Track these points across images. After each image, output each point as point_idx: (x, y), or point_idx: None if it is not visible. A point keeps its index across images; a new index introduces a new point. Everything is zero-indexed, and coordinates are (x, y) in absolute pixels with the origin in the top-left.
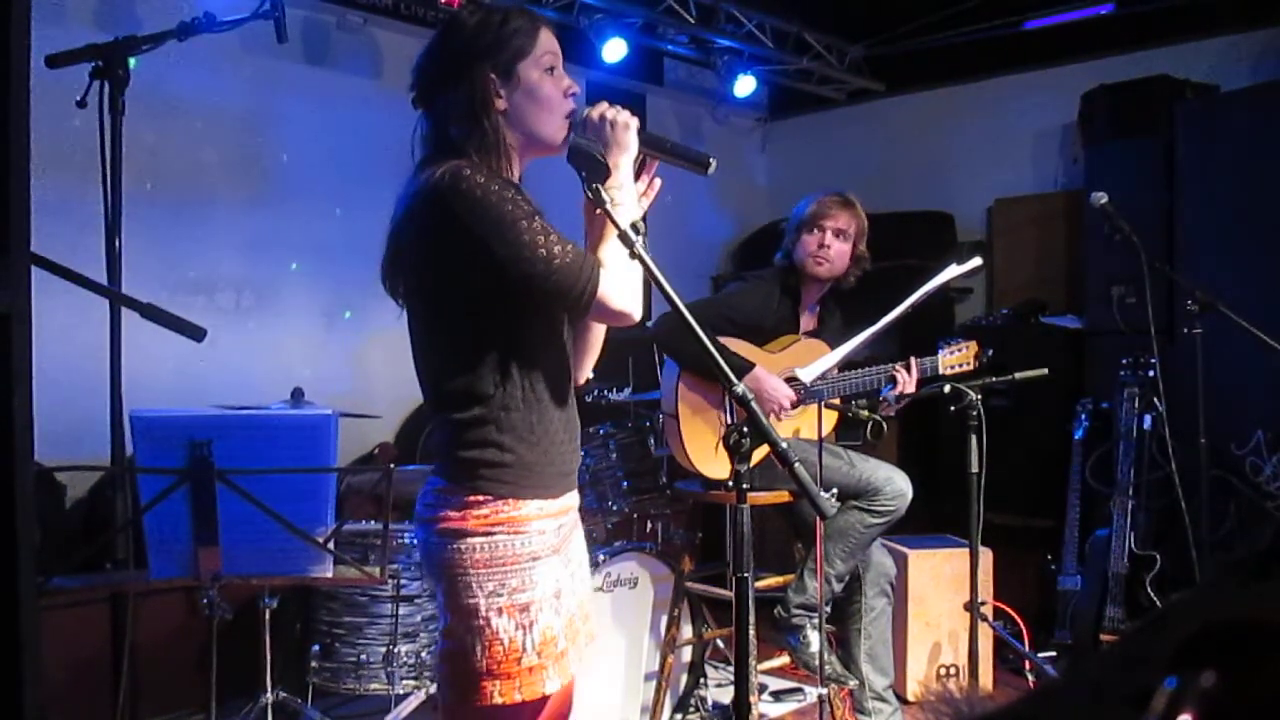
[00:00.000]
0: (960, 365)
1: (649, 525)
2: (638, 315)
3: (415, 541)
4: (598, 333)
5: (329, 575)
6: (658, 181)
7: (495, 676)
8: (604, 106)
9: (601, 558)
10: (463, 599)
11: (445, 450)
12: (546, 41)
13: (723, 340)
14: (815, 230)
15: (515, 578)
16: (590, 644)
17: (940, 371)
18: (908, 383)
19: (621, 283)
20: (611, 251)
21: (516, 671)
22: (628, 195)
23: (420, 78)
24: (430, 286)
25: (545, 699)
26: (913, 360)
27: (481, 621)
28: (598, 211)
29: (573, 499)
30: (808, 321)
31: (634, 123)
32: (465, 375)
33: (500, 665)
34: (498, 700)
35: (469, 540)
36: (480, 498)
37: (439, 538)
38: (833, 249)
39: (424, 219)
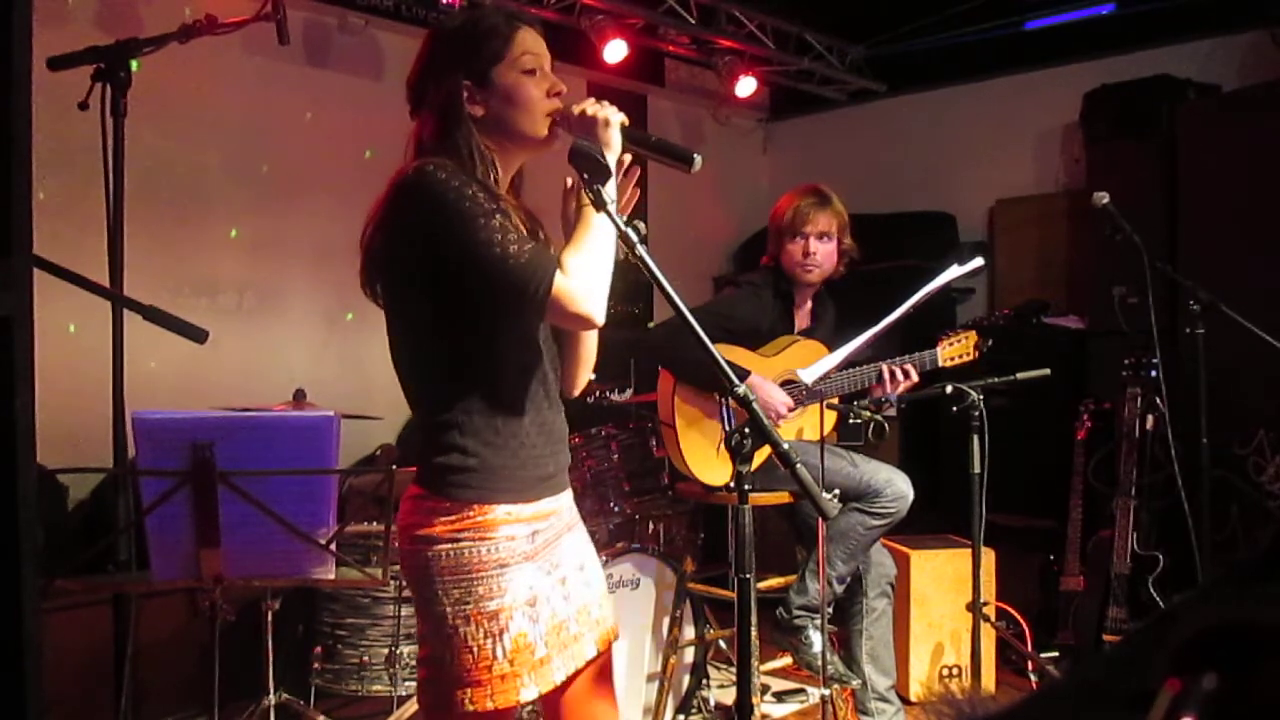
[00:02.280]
0: (960, 356)
1: (651, 526)
2: (599, 320)
3: None
4: (589, 345)
5: (331, 577)
6: (637, 169)
7: (466, 684)
8: (588, 103)
9: (603, 559)
10: (432, 606)
11: (419, 455)
12: (526, 42)
13: (718, 347)
14: (798, 238)
15: (482, 585)
16: (612, 643)
17: (940, 364)
18: (900, 380)
19: (582, 287)
20: (580, 255)
21: (488, 679)
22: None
23: (409, 89)
24: (397, 286)
25: (519, 705)
26: (910, 367)
27: (450, 629)
28: (599, 213)
29: (555, 503)
30: (802, 320)
31: (617, 119)
32: (431, 377)
33: (469, 673)
34: (469, 708)
35: (436, 547)
36: (447, 503)
37: (410, 544)
38: (818, 254)
39: (389, 216)
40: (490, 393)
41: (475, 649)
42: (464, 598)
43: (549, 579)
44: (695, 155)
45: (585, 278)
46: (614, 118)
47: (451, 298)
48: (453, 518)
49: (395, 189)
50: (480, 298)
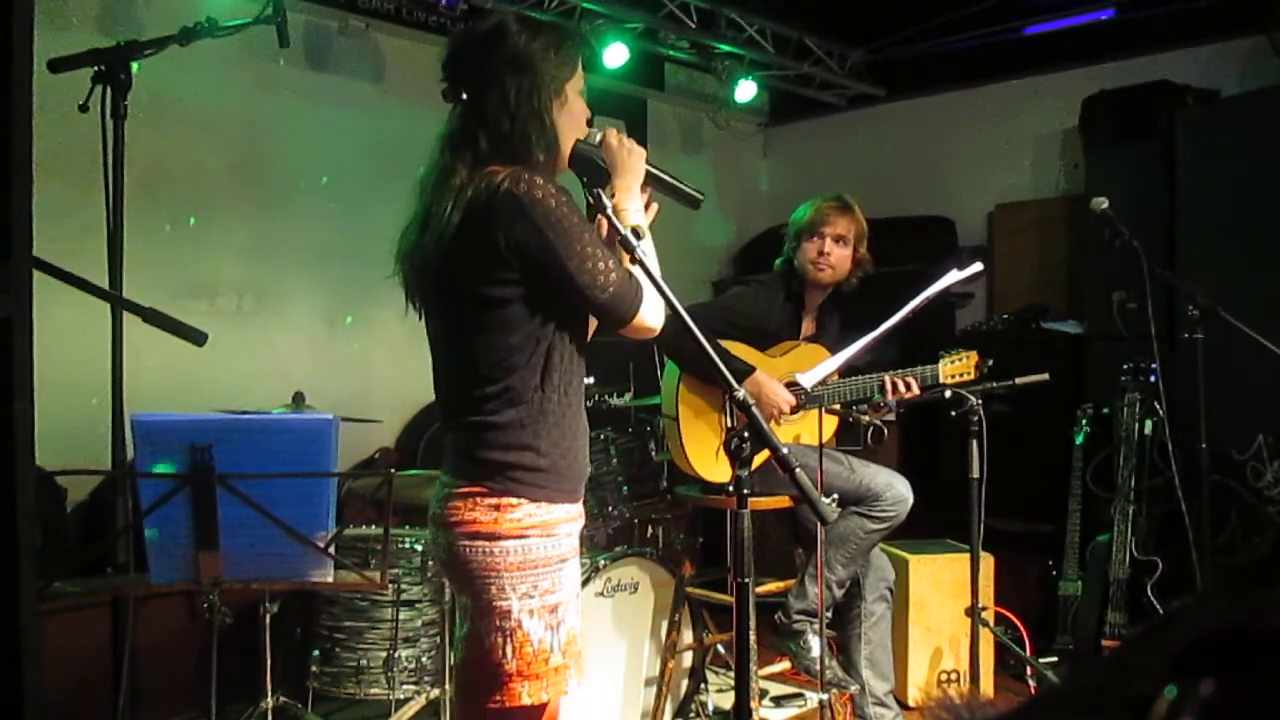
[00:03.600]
0: (961, 375)
1: (649, 530)
2: (658, 331)
3: (420, 545)
4: None
5: (329, 580)
6: (654, 206)
7: (526, 678)
8: (615, 133)
9: (602, 563)
10: (495, 601)
11: (470, 452)
12: (581, 68)
13: (724, 343)
14: (815, 237)
15: (546, 579)
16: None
17: (941, 380)
18: (901, 393)
19: (655, 303)
20: (642, 274)
21: (545, 672)
22: (635, 204)
23: (470, 72)
24: (486, 289)
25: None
26: (912, 380)
27: (514, 624)
28: (599, 217)
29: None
30: (808, 326)
31: (644, 152)
32: (507, 378)
33: (530, 666)
34: (526, 701)
35: (502, 544)
36: (514, 501)
37: (468, 540)
38: (833, 255)
39: (496, 224)
40: (560, 396)
41: (537, 642)
42: (530, 592)
43: (579, 573)
44: (701, 196)
45: (653, 296)
46: (641, 151)
47: (547, 306)
48: (520, 515)
49: (505, 198)
50: (578, 311)
